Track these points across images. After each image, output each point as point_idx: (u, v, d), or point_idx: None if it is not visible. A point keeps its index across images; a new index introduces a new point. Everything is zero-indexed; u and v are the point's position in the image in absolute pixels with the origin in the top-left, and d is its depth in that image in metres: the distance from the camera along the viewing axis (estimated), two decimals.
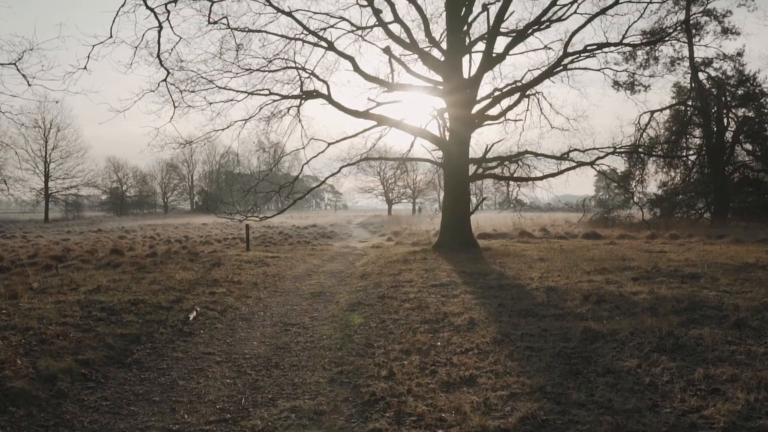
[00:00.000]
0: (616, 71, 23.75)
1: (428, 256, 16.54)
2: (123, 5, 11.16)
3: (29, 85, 13.11)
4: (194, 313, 8.72)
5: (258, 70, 20.23)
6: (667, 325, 6.65)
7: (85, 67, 12.35)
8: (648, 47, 28.07)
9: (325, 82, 20.54)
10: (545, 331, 6.90)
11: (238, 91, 20.82)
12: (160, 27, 11.87)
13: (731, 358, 5.62)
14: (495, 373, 5.52)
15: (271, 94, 20.79)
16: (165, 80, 13.05)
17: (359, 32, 20.22)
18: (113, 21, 11.27)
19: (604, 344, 6.24)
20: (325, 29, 19.93)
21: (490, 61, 19.32)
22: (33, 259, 16.25)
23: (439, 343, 6.82)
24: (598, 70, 21.58)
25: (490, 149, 20.24)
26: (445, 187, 19.98)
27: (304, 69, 20.45)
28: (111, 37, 11.61)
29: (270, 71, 20.67)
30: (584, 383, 5.12)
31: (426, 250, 18.44)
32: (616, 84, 27.49)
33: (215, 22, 13.95)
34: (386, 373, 5.74)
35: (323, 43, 20.06)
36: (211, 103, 21.00)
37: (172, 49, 12.93)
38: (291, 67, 20.42)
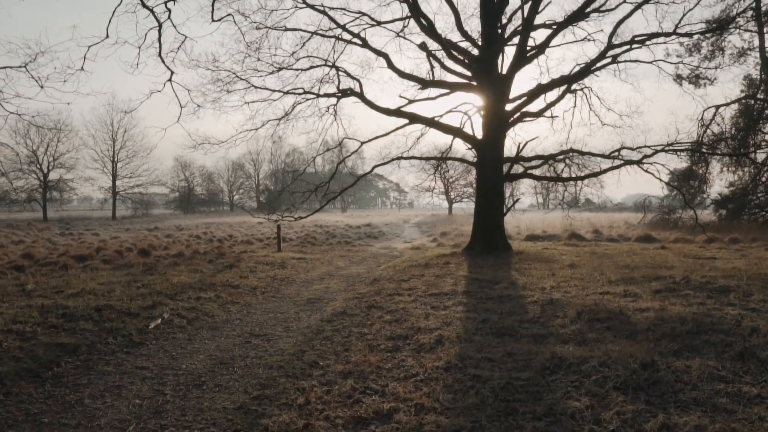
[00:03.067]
0: (673, 63, 21.81)
1: (453, 260, 15.67)
2: (119, 5, 10.95)
3: (41, 87, 13.11)
4: (158, 320, 8.28)
5: (287, 68, 19.92)
6: (647, 354, 5.63)
7: (81, 68, 12.22)
8: (713, 37, 25.94)
9: (357, 80, 20.00)
10: (508, 356, 6.01)
11: (273, 90, 20.62)
12: (160, 26, 11.59)
13: (710, 401, 4.61)
14: (418, 408, 4.73)
15: (305, 92, 20.46)
16: (170, 80, 12.77)
17: (384, 26, 19.48)
18: (109, 21, 11.11)
19: (564, 376, 5.31)
20: (352, 21, 19.31)
21: (525, 54, 18.16)
22: (61, 258, 16.40)
23: (387, 366, 6.06)
24: (650, 63, 20.01)
25: (523, 147, 19.06)
26: (478, 187, 18.99)
27: (336, 67, 19.97)
28: (108, 37, 11.45)
29: (303, 70, 20.35)
30: (511, 428, 4.26)
31: (456, 254, 17.56)
32: (679, 77, 25.57)
33: (219, 20, 13.61)
34: (302, 401, 5.06)
35: (357, 41, 19.50)
36: (247, 103, 20.96)
37: (178, 48, 12.69)
38: (325, 65, 20.00)
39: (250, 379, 5.86)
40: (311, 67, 20.30)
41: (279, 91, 20.52)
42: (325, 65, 20.02)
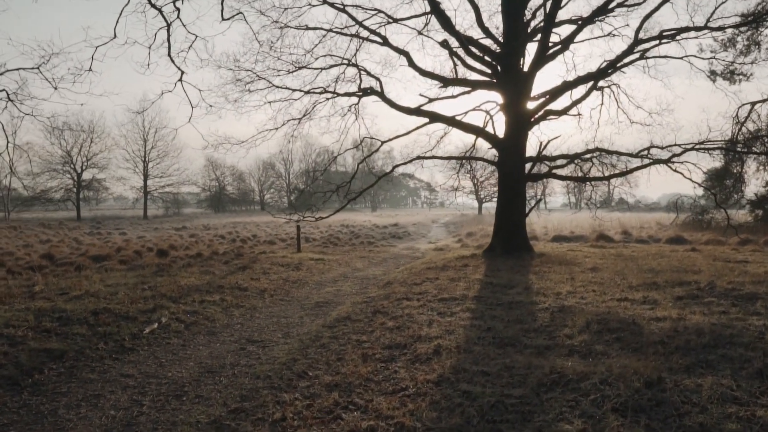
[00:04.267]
0: (706, 59, 20.96)
1: (471, 263, 15.25)
2: (127, 4, 10.82)
3: (55, 88, 13.11)
4: (155, 325, 8.10)
5: (306, 67, 19.74)
6: (654, 370, 5.19)
7: (90, 69, 12.16)
8: (749, 31, 24.91)
9: (377, 78, 19.70)
10: (506, 370, 5.63)
11: (293, 90, 20.51)
12: (168, 26, 11.45)
13: (718, 426, 4.17)
14: (397, 428, 4.42)
15: (326, 91, 20.28)
16: (180, 80, 12.63)
17: (402, 23, 19.10)
18: (117, 21, 11.00)
19: (560, 394, 4.91)
20: (369, 18, 19.00)
21: (547, 50, 17.62)
22: (79, 258, 16.47)
23: (377, 378, 5.75)
24: (681, 59, 19.25)
25: (545, 146, 18.51)
26: (499, 187, 18.50)
27: (357, 65, 19.72)
28: (116, 37, 11.33)
29: (323, 68, 20.16)
30: None
31: (476, 255, 17.12)
32: (713, 73, 24.62)
33: (228, 19, 13.42)
34: (279, 416, 4.80)
35: (377, 38, 19.20)
36: (269, 102, 20.88)
37: (189, 48, 12.52)
38: (348, 64, 19.77)
39: (233, 390, 5.61)
40: (331, 66, 20.10)
41: (299, 90, 20.40)
42: (349, 64, 19.77)
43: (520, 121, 17.62)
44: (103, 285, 10.93)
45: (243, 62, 21.65)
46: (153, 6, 11.07)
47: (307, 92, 20.39)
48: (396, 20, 18.66)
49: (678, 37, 18.17)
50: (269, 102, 20.97)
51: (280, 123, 20.94)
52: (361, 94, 20.04)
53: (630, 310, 8.19)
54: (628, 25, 19.90)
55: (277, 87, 20.42)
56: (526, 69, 17.94)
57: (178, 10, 11.39)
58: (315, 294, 11.82)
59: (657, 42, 18.07)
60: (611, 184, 21.33)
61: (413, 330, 7.59)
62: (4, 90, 12.85)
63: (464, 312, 8.66)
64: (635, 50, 17.97)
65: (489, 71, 18.27)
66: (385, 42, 19.03)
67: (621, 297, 9.41)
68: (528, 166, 18.37)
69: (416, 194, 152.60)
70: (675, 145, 18.26)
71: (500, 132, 18.62)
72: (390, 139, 20.99)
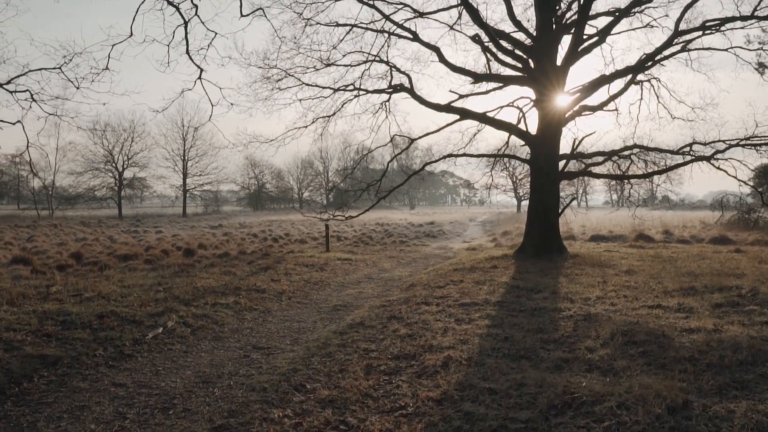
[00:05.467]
0: (753, 50, 19.83)
1: (500, 264, 14.71)
2: (143, 2, 10.65)
3: (77, 88, 13.08)
4: (159, 330, 7.86)
5: (335, 63, 19.44)
6: (680, 392, 4.65)
7: (106, 67, 12.06)
8: None
9: (407, 74, 19.26)
10: (516, 388, 5.15)
11: (323, 87, 20.25)
12: (186, 23, 11.25)
13: None
14: None
15: (356, 89, 19.96)
16: (200, 78, 12.43)
17: (428, 17, 18.60)
18: (133, 19, 10.84)
19: (571, 419, 4.42)
20: (395, 13, 18.55)
21: (581, 43, 16.90)
22: (107, 257, 16.50)
23: (377, 393, 5.35)
24: (726, 50, 18.24)
25: (579, 144, 17.79)
26: (531, 186, 17.85)
27: (388, 63, 19.34)
28: (132, 35, 11.17)
29: (352, 65, 19.86)
30: None
31: (507, 256, 16.55)
32: (761, 66, 23.40)
33: (248, 15, 13.15)
34: None
35: (408, 34, 18.76)
36: (300, 100, 20.67)
37: (209, 46, 12.28)
38: (379, 61, 19.42)
39: (223, 404, 5.29)
40: (361, 63, 19.76)
41: (329, 87, 20.12)
42: (379, 61, 19.40)
43: (553, 117, 16.95)
44: (119, 286, 10.80)
45: (272, 60, 21.49)
46: (170, 3, 10.89)
47: (337, 90, 20.10)
48: (422, 14, 18.19)
49: (722, 28, 17.23)
50: (300, 100, 20.77)
51: (309, 121, 20.72)
52: (391, 90, 19.65)
53: (662, 319, 7.60)
54: (667, 15, 19.00)
55: (307, 85, 20.21)
56: (559, 63, 17.25)
57: (196, 6, 11.20)
58: (335, 296, 11.49)
59: (699, 33, 17.18)
60: (653, 182, 20.47)
61: (426, 339, 7.16)
62: (27, 90, 12.87)
63: (483, 319, 8.19)
64: (676, 42, 17.12)
65: (521, 66, 17.63)
66: (416, 37, 18.57)
67: (654, 304, 8.80)
68: (562, 163, 17.66)
69: (455, 192, 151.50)
70: (718, 141, 17.33)
71: (533, 129, 17.98)
72: (420, 137, 20.58)
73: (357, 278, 14.10)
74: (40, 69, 12.55)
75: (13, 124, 12.11)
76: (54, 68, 12.61)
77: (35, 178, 63.47)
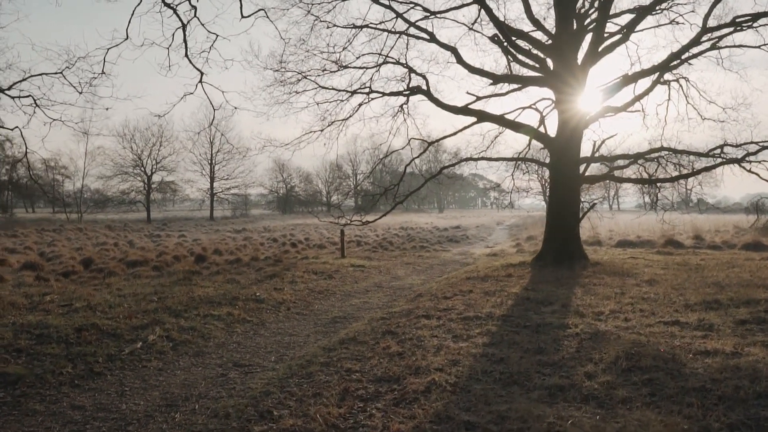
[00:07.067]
0: None
1: (516, 272, 14.09)
2: (139, 4, 10.34)
3: (80, 93, 12.91)
4: (138, 344, 7.48)
5: (350, 66, 19.04)
6: None
7: (102, 72, 11.82)
8: None
9: (423, 76, 18.75)
10: (498, 422, 4.60)
11: (339, 90, 19.88)
12: (184, 26, 10.94)
13: None
14: None
15: (372, 91, 19.54)
16: (201, 81, 12.11)
17: (443, 17, 18.08)
18: (129, 22, 10.56)
19: None
20: (405, 12, 18.08)
21: (602, 42, 16.16)
22: (116, 264, 16.31)
23: (346, 424, 4.85)
24: (758, 48, 17.28)
25: (600, 146, 17.04)
26: (551, 191, 17.16)
27: (406, 65, 18.88)
28: (128, 38, 10.91)
29: (368, 68, 19.45)
30: None
31: (525, 263, 15.90)
32: None
33: (249, 16, 12.76)
34: None
35: (424, 35, 18.26)
36: (318, 104, 20.36)
37: (210, 48, 11.95)
38: (396, 63, 18.98)
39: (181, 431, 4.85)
40: (377, 65, 19.33)
41: (345, 90, 19.74)
42: (396, 63, 18.97)
43: (573, 119, 16.24)
44: (115, 295, 10.52)
45: (286, 63, 21.22)
46: (167, 5, 10.59)
47: (354, 92, 19.72)
48: (434, 13, 17.68)
49: (755, 24, 16.31)
50: (317, 103, 20.46)
51: (326, 124, 20.36)
52: (408, 92, 19.16)
53: (676, 339, 6.94)
54: (694, 11, 18.14)
55: (323, 87, 19.87)
56: (580, 62, 16.54)
57: (195, 8, 10.87)
58: (337, 307, 11.03)
59: (730, 30, 16.29)
60: (684, 186, 19.57)
61: (415, 358, 6.64)
62: (30, 96, 12.71)
63: (482, 336, 7.62)
64: (704, 39, 16.25)
65: (539, 66, 16.96)
66: (433, 38, 18.06)
67: (671, 319, 8.12)
68: (583, 167, 16.93)
69: (485, 195, 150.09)
70: (751, 142, 16.44)
71: (552, 131, 17.29)
72: (438, 140, 20.06)
73: (365, 287, 13.62)
74: (41, 74, 12.38)
75: (11, 129, 11.95)
76: (56, 73, 12.42)
77: (64, 182, 64.59)
